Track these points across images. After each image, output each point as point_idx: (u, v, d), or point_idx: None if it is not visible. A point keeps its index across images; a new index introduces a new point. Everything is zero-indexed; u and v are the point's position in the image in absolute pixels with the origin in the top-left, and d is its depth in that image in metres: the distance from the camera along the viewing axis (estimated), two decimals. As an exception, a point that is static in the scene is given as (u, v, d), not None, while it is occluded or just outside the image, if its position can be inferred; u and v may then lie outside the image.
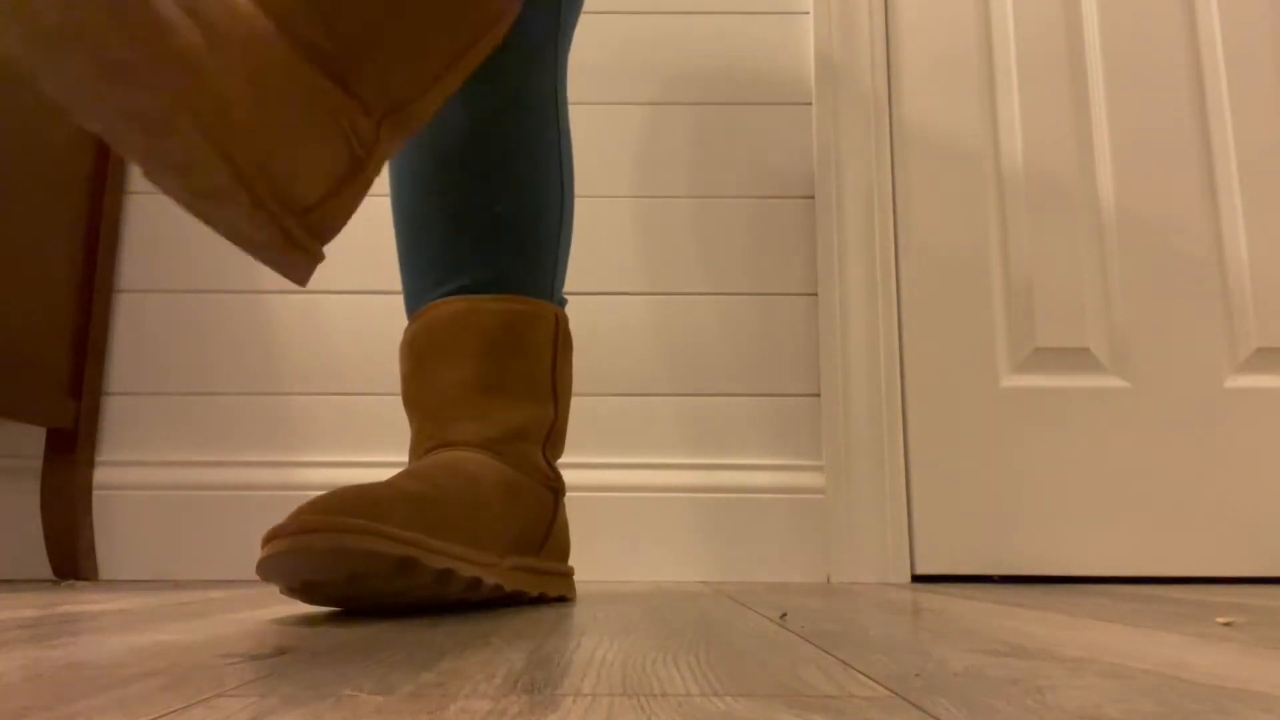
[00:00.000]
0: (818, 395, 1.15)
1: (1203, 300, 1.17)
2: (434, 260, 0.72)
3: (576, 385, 1.15)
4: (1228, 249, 1.18)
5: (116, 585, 0.97)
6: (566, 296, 1.17)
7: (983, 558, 1.11)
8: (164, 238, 1.18)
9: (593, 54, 1.23)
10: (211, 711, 0.27)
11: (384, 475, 1.12)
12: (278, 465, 1.13)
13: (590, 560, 1.09)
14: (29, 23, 0.38)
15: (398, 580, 0.55)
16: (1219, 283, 1.17)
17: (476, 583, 0.60)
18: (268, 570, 0.53)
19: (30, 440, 1.13)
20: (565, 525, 0.74)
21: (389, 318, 1.17)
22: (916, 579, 1.11)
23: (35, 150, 1.02)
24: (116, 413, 1.14)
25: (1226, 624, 0.54)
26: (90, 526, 1.09)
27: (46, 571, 1.08)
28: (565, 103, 0.77)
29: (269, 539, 0.53)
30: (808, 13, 1.24)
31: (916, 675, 0.34)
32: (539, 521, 0.70)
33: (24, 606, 0.65)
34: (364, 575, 0.53)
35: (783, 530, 1.10)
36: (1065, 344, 1.16)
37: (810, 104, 1.22)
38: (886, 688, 0.31)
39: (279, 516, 1.11)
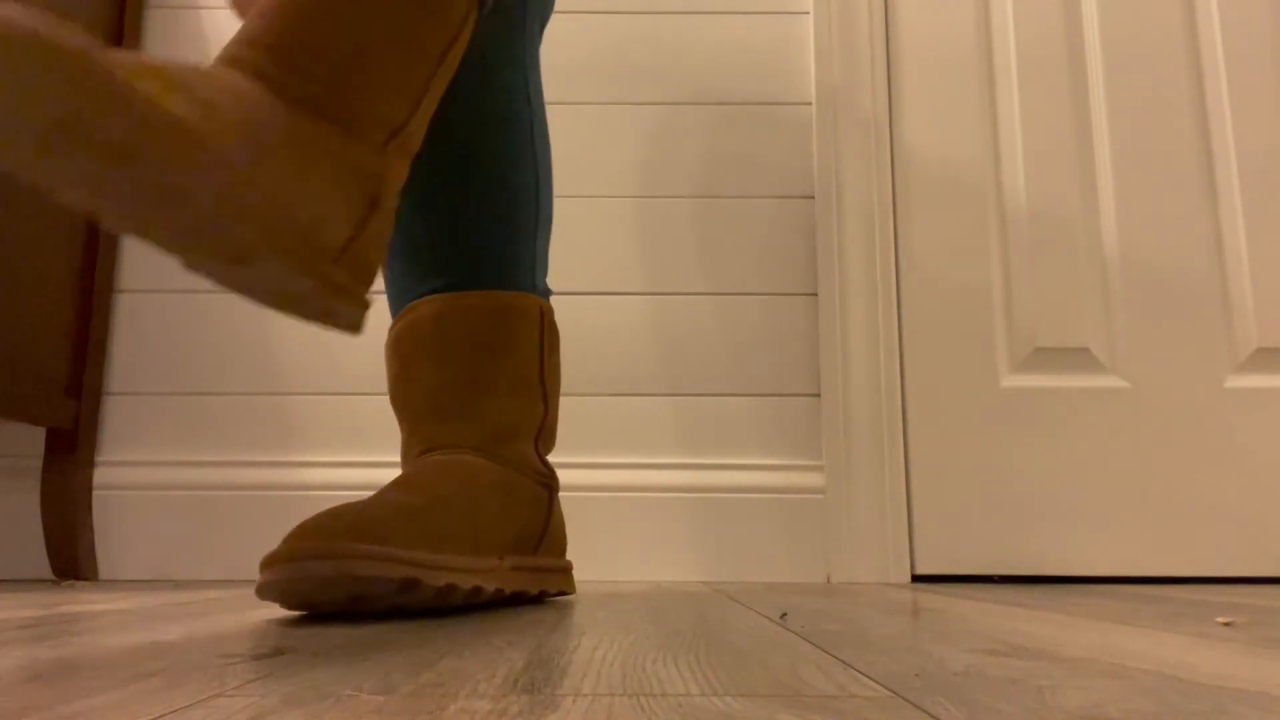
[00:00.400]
0: (818, 395, 1.15)
1: (1202, 300, 1.17)
2: (412, 258, 0.72)
3: (577, 385, 1.15)
4: (1228, 248, 1.18)
5: (116, 585, 0.97)
6: (566, 296, 1.17)
7: (983, 558, 1.11)
8: (164, 238, 1.18)
9: (591, 54, 1.23)
10: (211, 711, 0.27)
11: (384, 475, 1.12)
12: (278, 465, 1.13)
13: (590, 560, 1.09)
14: (29, 123, 0.38)
15: (399, 598, 0.55)
16: (1219, 282, 1.17)
17: (478, 591, 0.60)
18: (267, 593, 0.53)
19: (30, 440, 1.13)
20: (561, 520, 0.74)
21: (389, 318, 1.17)
22: (916, 579, 1.11)
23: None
24: (116, 413, 1.14)
25: (1226, 624, 0.54)
26: (90, 526, 1.09)
27: (46, 571, 1.08)
28: (539, 92, 0.77)
29: (267, 564, 0.53)
30: (808, 13, 1.24)
31: (916, 675, 0.34)
32: (536, 520, 0.70)
33: (24, 606, 0.65)
34: (366, 597, 0.54)
35: (782, 530, 1.10)
36: (1065, 344, 1.16)
37: (810, 104, 1.22)
38: (886, 688, 0.31)
39: (279, 516, 1.11)
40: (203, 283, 1.18)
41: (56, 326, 1.06)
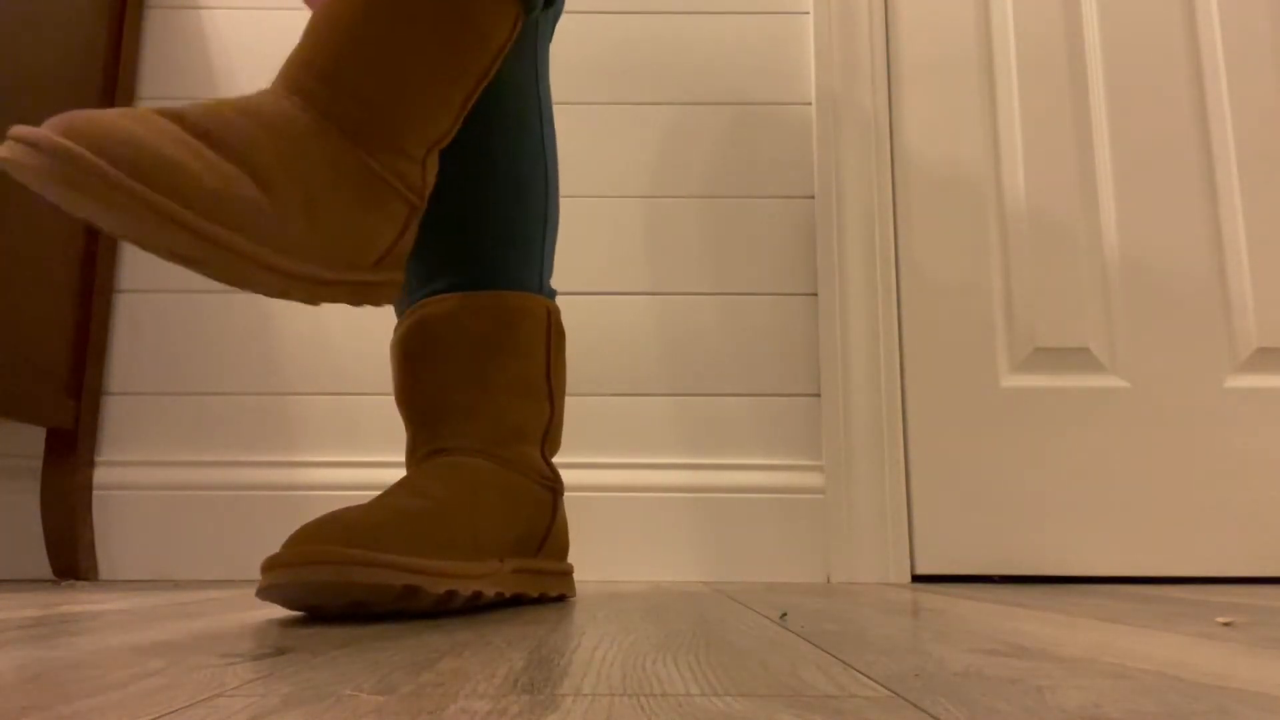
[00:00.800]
0: (818, 395, 1.15)
1: (1202, 300, 1.17)
2: (419, 257, 0.71)
3: (577, 385, 1.15)
4: (1227, 248, 1.18)
5: (116, 585, 0.97)
6: (564, 296, 1.17)
7: (983, 558, 1.11)
8: (164, 238, 1.18)
9: (589, 54, 1.23)
10: (211, 711, 0.27)
11: (384, 475, 1.12)
12: (278, 465, 1.13)
13: (590, 560, 1.09)
14: (113, 233, 0.47)
15: (400, 604, 0.55)
16: (1219, 282, 1.17)
17: (478, 596, 0.60)
18: (267, 596, 0.53)
19: (30, 440, 1.13)
20: (565, 524, 0.74)
21: (389, 318, 1.17)
22: (916, 579, 1.11)
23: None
24: (116, 413, 1.14)
25: (1226, 624, 0.54)
26: (90, 526, 1.09)
27: (46, 571, 1.08)
28: (548, 92, 0.77)
29: (268, 567, 0.53)
30: (808, 13, 1.24)
31: (916, 675, 0.34)
32: (539, 523, 0.69)
33: (24, 606, 0.65)
34: (367, 602, 0.54)
35: (782, 530, 1.10)
36: (1065, 344, 1.16)
37: (810, 104, 1.22)
38: (886, 688, 0.31)
39: (279, 516, 1.11)
40: (203, 283, 1.18)
41: (56, 326, 1.06)
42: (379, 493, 1.11)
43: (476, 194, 0.71)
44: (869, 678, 0.33)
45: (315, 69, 0.54)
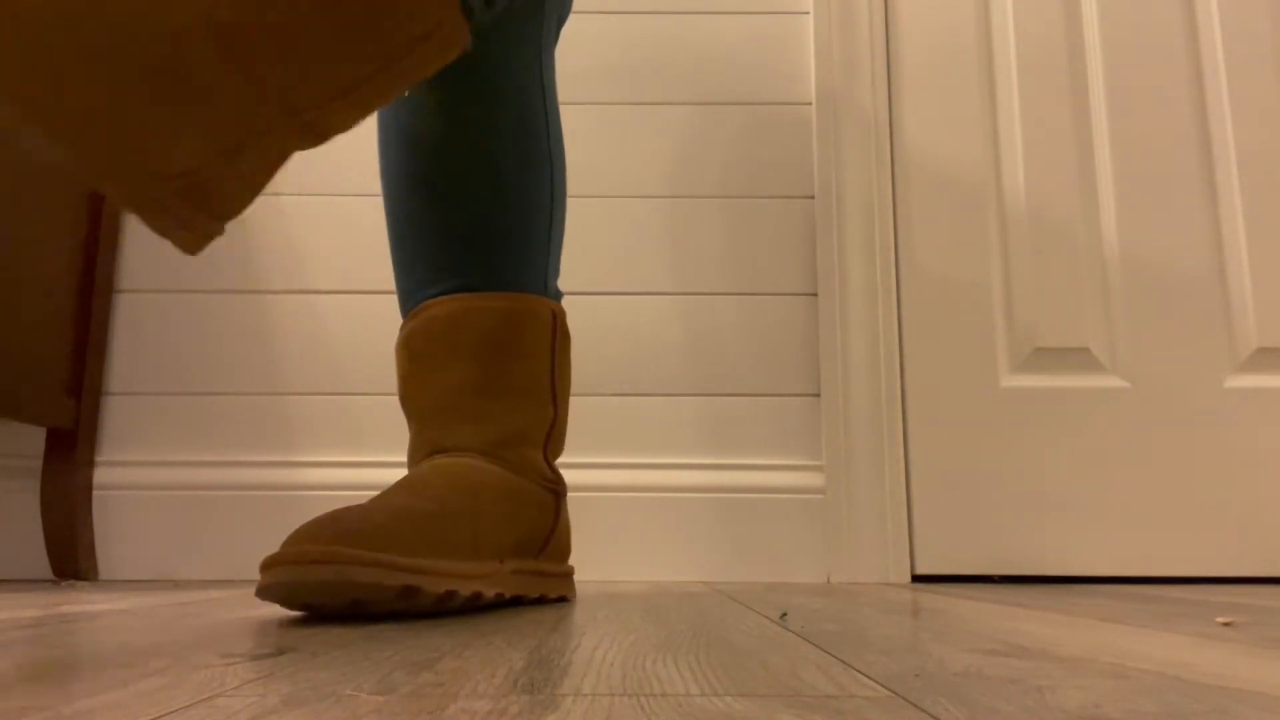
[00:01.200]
0: (818, 395, 1.15)
1: (1202, 300, 1.17)
2: (426, 258, 0.71)
3: (577, 385, 1.15)
4: (1228, 249, 1.18)
5: (116, 585, 0.97)
6: (566, 296, 1.17)
7: (983, 558, 1.11)
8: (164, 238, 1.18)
9: (587, 54, 1.23)
10: (211, 711, 0.27)
11: (384, 475, 1.12)
12: (278, 465, 1.13)
13: (590, 560, 1.09)
14: None
15: (399, 604, 0.55)
16: (1219, 282, 1.17)
17: (477, 596, 0.60)
18: (267, 595, 0.53)
19: (30, 440, 1.13)
20: (567, 526, 0.74)
21: (389, 318, 1.17)
22: (916, 579, 1.11)
23: (35, 150, 1.02)
24: (116, 413, 1.14)
25: (1226, 624, 0.54)
26: (90, 526, 1.09)
27: (46, 571, 1.08)
28: (554, 94, 0.77)
29: (267, 565, 0.53)
30: (808, 13, 1.24)
31: (916, 675, 0.34)
32: (541, 526, 0.69)
33: (24, 606, 0.65)
34: (366, 601, 0.54)
35: (783, 530, 1.10)
36: (1065, 344, 1.16)
37: (810, 104, 1.22)
38: (886, 688, 0.31)
39: (279, 516, 1.11)
40: (203, 283, 1.18)
41: (56, 326, 1.06)
42: (379, 492, 1.11)
43: (483, 197, 0.71)
44: (869, 678, 0.33)
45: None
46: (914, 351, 1.16)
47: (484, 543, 0.62)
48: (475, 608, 0.63)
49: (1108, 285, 1.18)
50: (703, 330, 1.16)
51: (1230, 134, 1.20)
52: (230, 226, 1.19)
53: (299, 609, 0.55)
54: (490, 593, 0.61)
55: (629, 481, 1.12)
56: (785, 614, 0.59)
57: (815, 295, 1.17)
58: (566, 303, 1.16)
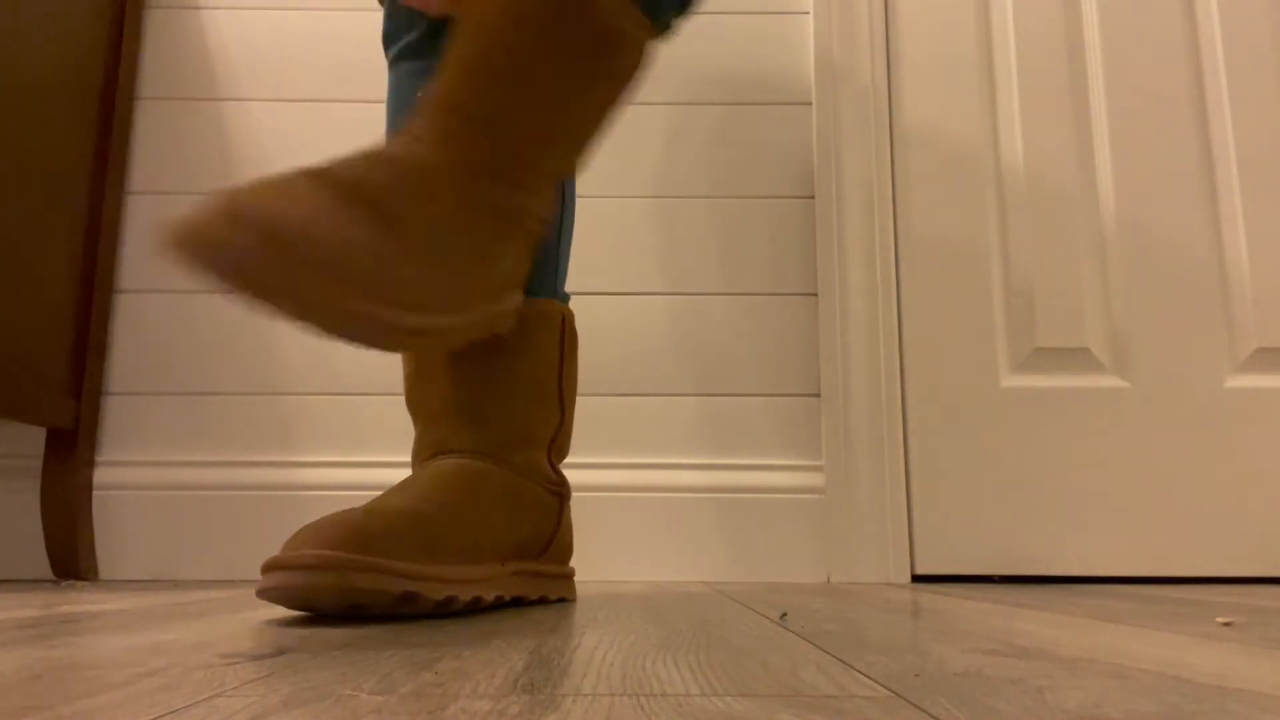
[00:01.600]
0: (818, 395, 1.15)
1: (1202, 300, 1.17)
2: None
3: (579, 385, 1.14)
4: (1228, 248, 1.18)
5: (116, 585, 0.97)
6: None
7: (983, 558, 1.11)
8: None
9: (593, 54, 1.23)
10: (211, 711, 0.27)
11: (383, 475, 1.12)
12: (278, 465, 1.13)
13: (590, 560, 1.09)
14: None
15: (399, 609, 0.55)
16: (1219, 282, 1.17)
17: (477, 601, 0.60)
18: (267, 596, 0.53)
19: (30, 440, 1.13)
20: (569, 528, 0.73)
21: (389, 318, 1.17)
22: (916, 579, 1.11)
23: (35, 150, 1.02)
24: (116, 413, 1.14)
25: (1226, 624, 0.54)
26: (90, 526, 1.09)
27: (46, 571, 1.08)
28: None
29: (268, 568, 0.53)
30: (808, 13, 1.24)
31: (916, 675, 0.34)
32: (543, 528, 0.69)
33: (24, 606, 0.65)
34: (366, 606, 0.54)
35: (783, 530, 1.10)
36: (1065, 344, 1.16)
37: (810, 104, 1.22)
38: (886, 688, 0.31)
39: (279, 516, 1.11)
40: (203, 282, 1.18)
41: (56, 326, 1.06)
42: (379, 493, 1.11)
43: None
44: (869, 678, 0.33)
45: (459, 111, 0.55)
46: (914, 351, 1.16)
47: (485, 546, 0.62)
48: (476, 610, 0.63)
49: (1108, 285, 1.18)
50: (703, 330, 1.16)
51: (1230, 133, 1.20)
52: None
53: (298, 609, 0.55)
54: (490, 596, 0.62)
55: (629, 481, 1.12)
56: (785, 614, 0.59)
57: (815, 295, 1.17)
58: (580, 302, 1.16)
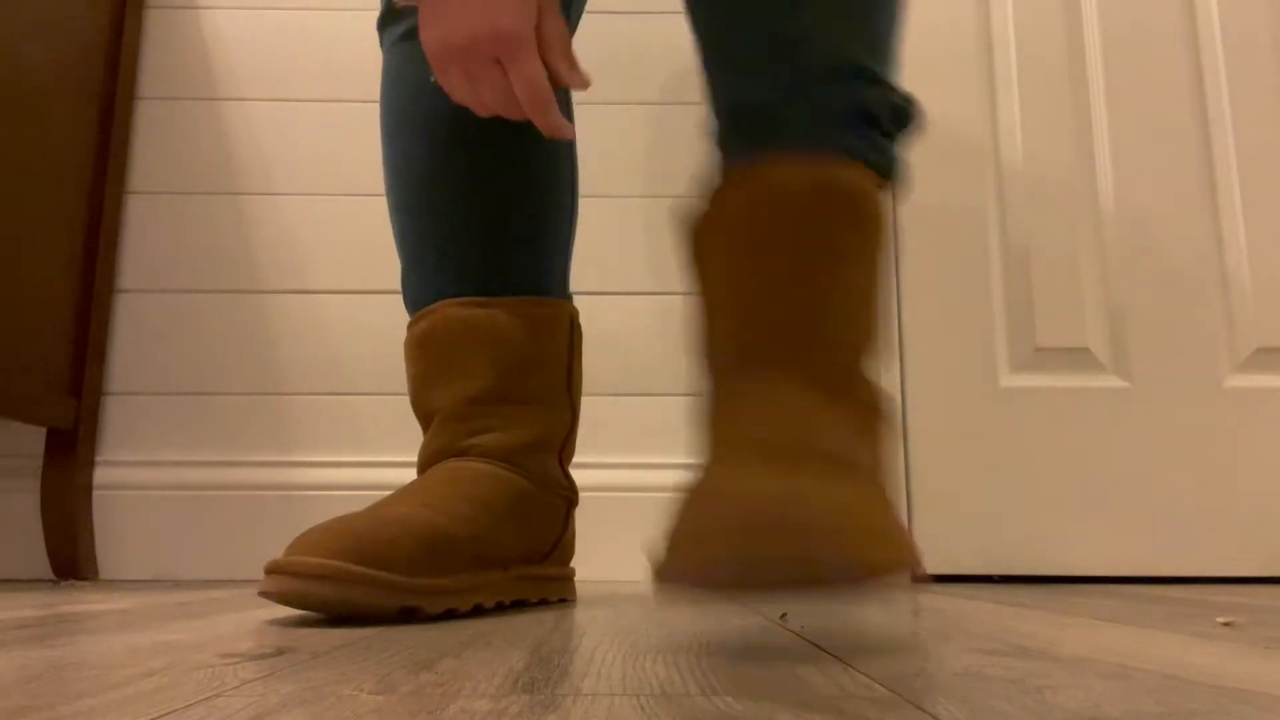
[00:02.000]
0: (818, 395, 1.14)
1: (1202, 300, 1.17)
2: (443, 256, 0.69)
3: (586, 386, 1.14)
4: (1228, 249, 1.18)
5: (116, 585, 0.97)
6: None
7: (983, 558, 1.11)
8: (164, 238, 1.18)
9: (592, 54, 1.23)
10: (211, 711, 0.27)
11: (383, 475, 1.12)
12: (278, 465, 1.13)
13: (590, 560, 1.09)
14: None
15: (399, 621, 0.55)
16: (1219, 282, 1.17)
17: (478, 609, 0.60)
18: (268, 597, 0.53)
19: (30, 440, 1.13)
20: (573, 533, 0.73)
21: (389, 318, 1.17)
22: (916, 579, 1.11)
23: (35, 150, 1.02)
24: (116, 413, 1.14)
25: (1226, 624, 0.54)
26: (90, 526, 1.09)
27: (46, 571, 1.08)
28: (568, 90, 0.75)
29: (271, 571, 0.53)
30: (808, 13, 1.24)
31: (916, 675, 0.34)
32: (549, 534, 0.69)
33: (24, 606, 0.65)
34: (366, 616, 0.54)
35: (783, 530, 1.10)
36: (1065, 344, 1.16)
37: (810, 104, 1.21)
38: (886, 688, 0.31)
39: (279, 516, 1.11)
40: (203, 283, 1.18)
41: (56, 326, 1.06)
42: (380, 493, 1.11)
43: (502, 195, 0.69)
44: (869, 678, 0.33)
45: (781, 337, 0.53)
46: (914, 351, 1.16)
47: (490, 555, 0.62)
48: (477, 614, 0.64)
49: (1108, 285, 1.18)
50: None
51: (1230, 133, 1.20)
52: (230, 226, 1.20)
53: (299, 610, 0.56)
54: (490, 603, 0.62)
55: (630, 481, 1.12)
56: (785, 614, 0.59)
57: (815, 295, 1.17)
58: (580, 303, 1.16)
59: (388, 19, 0.73)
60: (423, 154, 0.70)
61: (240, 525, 1.10)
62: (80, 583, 1.03)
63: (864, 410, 0.52)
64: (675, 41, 1.23)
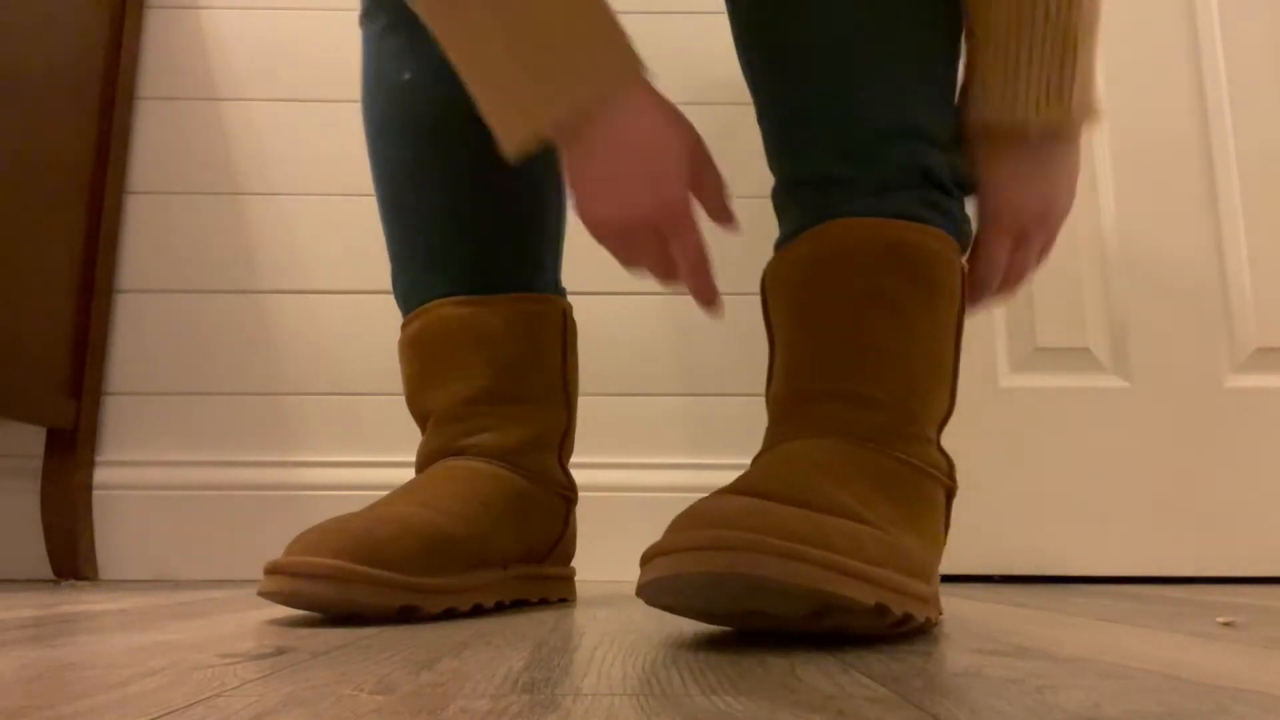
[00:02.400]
0: (818, 395, 1.15)
1: (1202, 299, 1.17)
2: (432, 256, 0.69)
3: (582, 385, 1.14)
4: (1228, 249, 1.18)
5: (116, 585, 0.97)
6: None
7: (983, 558, 1.11)
8: (164, 238, 1.18)
9: (593, 54, 1.23)
10: (211, 711, 0.27)
11: (383, 475, 1.12)
12: (278, 465, 1.13)
13: (590, 560, 1.09)
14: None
15: (398, 620, 0.55)
16: (1219, 282, 1.17)
17: (478, 608, 0.60)
18: (268, 597, 0.54)
19: (30, 440, 1.13)
20: (574, 532, 0.73)
21: (389, 318, 1.17)
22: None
23: (35, 150, 1.02)
24: (116, 413, 1.14)
25: (1226, 624, 0.54)
26: (90, 526, 1.09)
27: (46, 571, 1.08)
28: None
29: (270, 571, 0.53)
30: (808, 13, 1.24)
31: (916, 675, 0.34)
32: (549, 534, 0.69)
33: (24, 606, 0.65)
34: (366, 615, 0.54)
35: (783, 530, 1.10)
36: (1065, 344, 1.16)
37: (810, 104, 1.22)
38: (886, 688, 0.31)
39: (279, 516, 1.11)
40: (203, 283, 1.18)
41: (56, 326, 1.06)
42: (380, 492, 1.11)
43: (489, 193, 0.68)
44: (869, 678, 0.33)
45: (811, 395, 0.52)
46: (914, 351, 1.16)
47: (490, 554, 0.62)
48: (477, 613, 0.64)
49: (1108, 285, 1.18)
50: (703, 329, 1.16)
51: (1230, 134, 1.20)
52: (230, 226, 1.20)
53: (299, 609, 0.56)
54: (490, 602, 0.62)
55: (631, 481, 1.12)
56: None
57: (815, 295, 1.17)
58: (579, 303, 1.16)
59: (372, 13, 0.71)
60: (407, 155, 0.69)
61: (240, 525, 1.10)
62: (80, 583, 1.03)
63: (902, 473, 0.50)
64: (682, 41, 1.23)
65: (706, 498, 0.44)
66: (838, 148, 0.56)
